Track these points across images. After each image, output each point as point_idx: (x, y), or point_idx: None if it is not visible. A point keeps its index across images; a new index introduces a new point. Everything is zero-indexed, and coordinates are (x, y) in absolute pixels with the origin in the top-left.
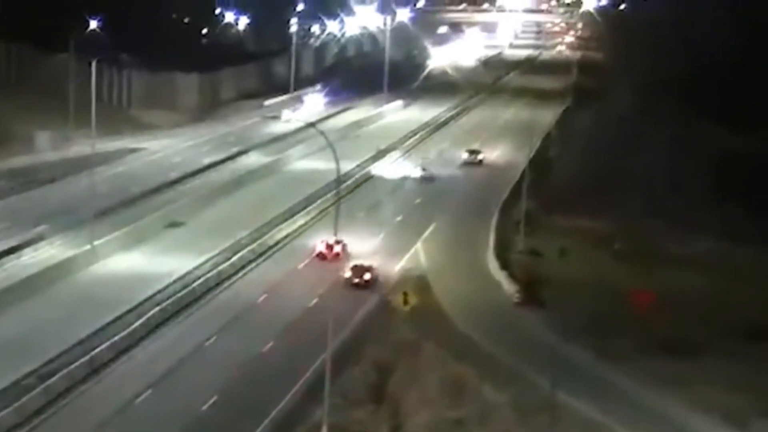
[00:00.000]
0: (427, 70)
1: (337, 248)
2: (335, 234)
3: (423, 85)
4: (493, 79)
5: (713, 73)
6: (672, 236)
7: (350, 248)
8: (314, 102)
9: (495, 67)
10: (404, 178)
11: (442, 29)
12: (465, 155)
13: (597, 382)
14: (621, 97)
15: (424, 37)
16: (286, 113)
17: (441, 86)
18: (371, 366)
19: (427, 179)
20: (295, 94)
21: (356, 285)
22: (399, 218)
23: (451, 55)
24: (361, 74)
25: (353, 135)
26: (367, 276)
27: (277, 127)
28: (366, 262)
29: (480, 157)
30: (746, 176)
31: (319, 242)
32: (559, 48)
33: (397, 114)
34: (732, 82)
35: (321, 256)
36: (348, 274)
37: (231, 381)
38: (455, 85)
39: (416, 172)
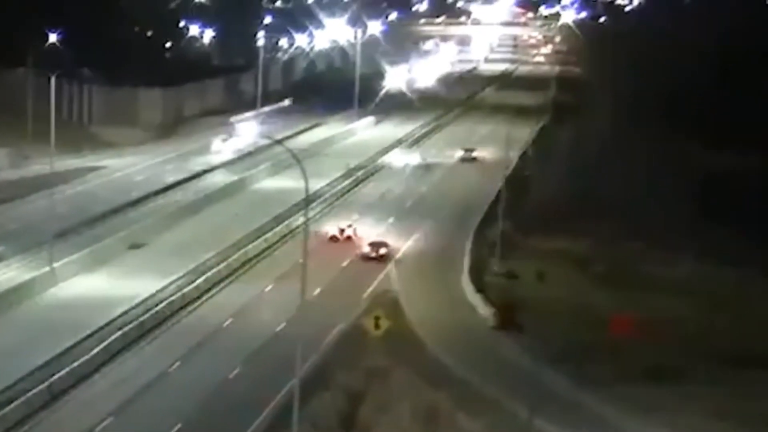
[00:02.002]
0: (383, 90)
1: (349, 231)
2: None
3: (395, 102)
4: (467, 95)
5: (695, 90)
6: (653, 258)
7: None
8: (249, 130)
9: (470, 82)
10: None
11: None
12: (461, 153)
13: (576, 409)
14: (600, 113)
15: (396, 51)
16: (216, 144)
17: (414, 102)
18: (341, 392)
19: (425, 167)
20: (263, 110)
21: (373, 259)
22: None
23: (420, 71)
24: (331, 89)
25: (323, 152)
26: (382, 251)
27: (243, 145)
28: (381, 239)
29: (474, 154)
30: (729, 196)
31: (331, 227)
32: (537, 59)
33: (368, 131)
34: (714, 99)
35: (333, 239)
36: (366, 249)
37: (196, 408)
38: (429, 101)
39: (415, 161)
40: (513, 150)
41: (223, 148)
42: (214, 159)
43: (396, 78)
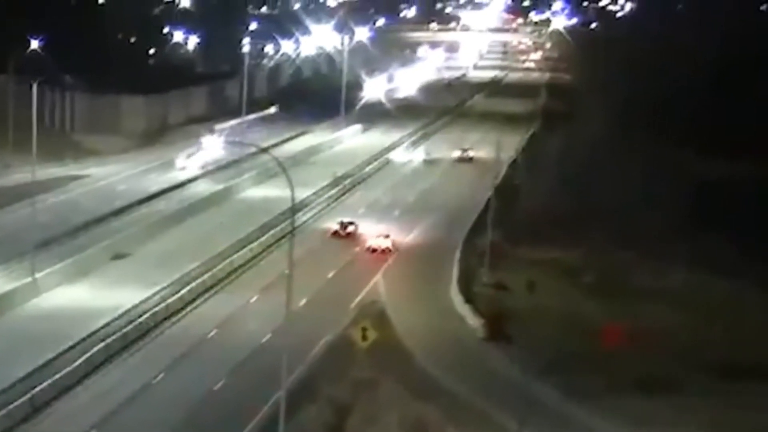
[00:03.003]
0: (363, 100)
1: (351, 228)
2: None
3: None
4: (456, 103)
5: (688, 96)
6: (645, 268)
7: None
8: (215, 145)
9: (459, 89)
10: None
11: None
12: (457, 153)
13: (566, 421)
14: (592, 120)
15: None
16: (180, 160)
17: (402, 110)
18: (328, 405)
19: (429, 162)
20: (248, 118)
21: (375, 251)
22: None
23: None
24: (317, 97)
25: (309, 161)
26: (386, 244)
27: (228, 152)
28: (385, 233)
29: (471, 154)
30: (722, 204)
31: (334, 224)
32: (527, 64)
33: (355, 139)
34: (708, 105)
35: (336, 234)
36: (371, 242)
37: (180, 421)
38: (417, 109)
39: (420, 156)
40: (502, 158)
41: (188, 164)
42: (181, 175)
43: (376, 87)
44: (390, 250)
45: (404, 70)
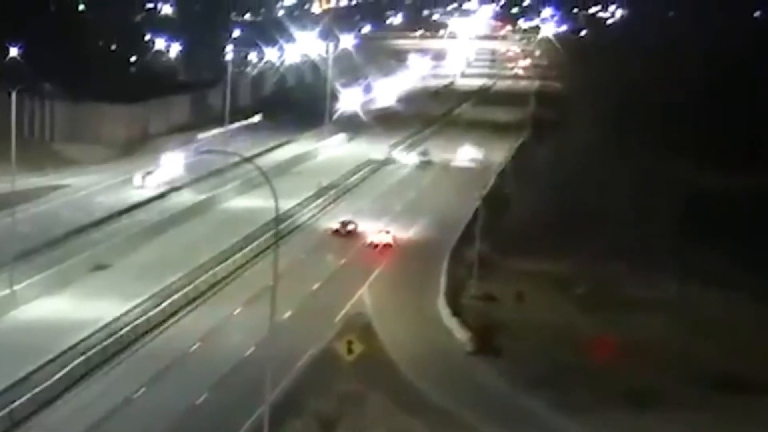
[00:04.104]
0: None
1: (351, 227)
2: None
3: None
4: (443, 111)
5: (681, 105)
6: (636, 279)
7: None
8: (175, 163)
9: (446, 97)
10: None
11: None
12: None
13: None
14: (582, 129)
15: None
16: (137, 179)
17: (387, 119)
18: (314, 419)
19: (426, 163)
20: (231, 126)
21: (376, 247)
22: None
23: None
24: (302, 105)
25: (294, 170)
26: (387, 239)
27: (214, 163)
28: (386, 229)
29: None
30: (714, 215)
31: (335, 222)
32: (516, 71)
33: (340, 148)
34: (700, 114)
35: (336, 233)
36: (372, 238)
37: None
38: (403, 118)
39: (416, 158)
40: (491, 168)
41: (145, 183)
42: (142, 193)
43: (355, 96)
44: (390, 246)
45: (389, 78)
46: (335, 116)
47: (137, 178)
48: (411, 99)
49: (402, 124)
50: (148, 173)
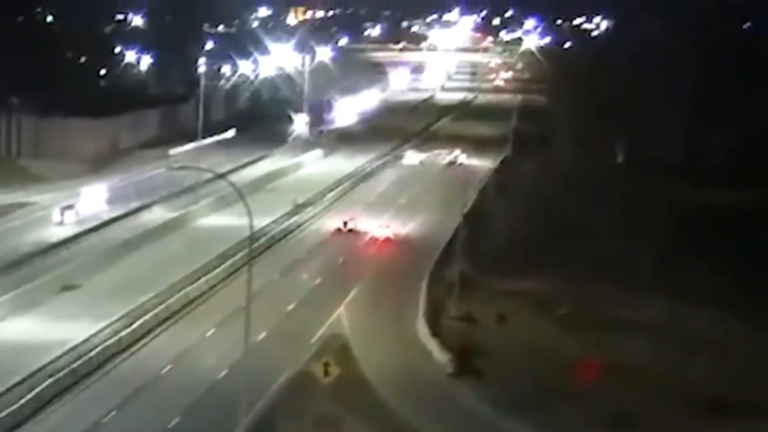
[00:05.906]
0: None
1: (351, 224)
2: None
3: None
4: (422, 127)
5: (670, 119)
6: (623, 299)
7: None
8: (97, 194)
9: (425, 112)
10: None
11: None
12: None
13: None
14: (566, 144)
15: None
16: (56, 214)
17: (365, 134)
18: None
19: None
20: (204, 142)
21: (377, 240)
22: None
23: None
24: (277, 120)
25: (268, 187)
26: (386, 233)
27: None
28: (385, 225)
29: (460, 160)
30: (703, 232)
31: (337, 221)
32: (497, 83)
33: (317, 164)
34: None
35: (338, 231)
36: (372, 233)
37: None
38: (382, 133)
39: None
40: (471, 186)
41: (64, 218)
42: (60, 231)
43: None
44: (390, 239)
45: (364, 93)
46: (290, 138)
47: (56, 214)
48: (388, 114)
49: (380, 139)
50: (67, 208)
